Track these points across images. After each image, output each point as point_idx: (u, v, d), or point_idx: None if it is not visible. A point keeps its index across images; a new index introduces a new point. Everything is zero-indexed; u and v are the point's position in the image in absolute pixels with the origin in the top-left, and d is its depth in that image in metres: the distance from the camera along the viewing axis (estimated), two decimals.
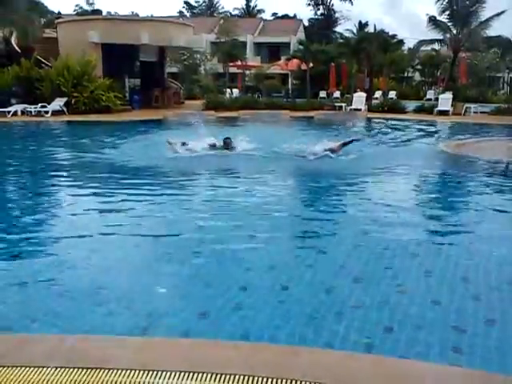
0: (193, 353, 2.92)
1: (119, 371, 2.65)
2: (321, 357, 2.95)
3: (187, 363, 2.74)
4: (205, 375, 2.60)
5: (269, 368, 2.69)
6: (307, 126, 20.09)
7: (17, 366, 2.71)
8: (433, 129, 18.94)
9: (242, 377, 2.59)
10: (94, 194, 7.87)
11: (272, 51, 48.32)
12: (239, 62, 31.78)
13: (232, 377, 2.59)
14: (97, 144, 13.55)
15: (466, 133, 17.63)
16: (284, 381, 2.56)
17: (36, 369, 2.69)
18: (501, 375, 2.85)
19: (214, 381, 2.56)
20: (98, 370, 2.66)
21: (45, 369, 2.69)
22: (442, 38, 26.83)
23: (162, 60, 27.74)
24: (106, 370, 2.66)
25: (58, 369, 2.69)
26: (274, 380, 2.56)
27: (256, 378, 2.57)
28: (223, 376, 2.59)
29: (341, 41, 30.84)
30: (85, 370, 2.67)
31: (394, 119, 20.98)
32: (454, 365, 3.03)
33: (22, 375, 2.64)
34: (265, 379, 2.57)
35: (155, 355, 2.89)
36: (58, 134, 17.26)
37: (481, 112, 23.83)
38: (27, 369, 2.70)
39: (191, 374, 2.61)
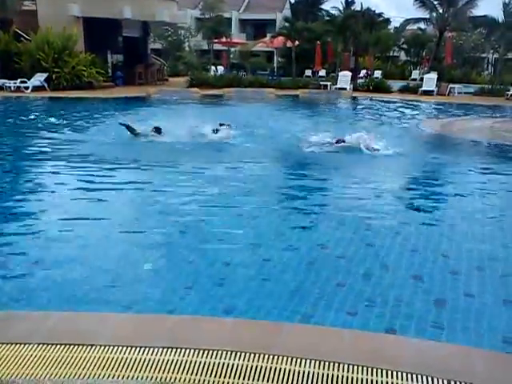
0: (177, 329, 2.93)
1: (102, 347, 2.66)
2: (303, 332, 2.99)
3: (171, 339, 2.75)
4: (188, 351, 2.62)
5: (252, 343, 2.72)
6: (292, 104, 20.02)
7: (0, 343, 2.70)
8: (416, 108, 19.01)
9: (225, 352, 2.61)
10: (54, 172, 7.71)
11: (257, 28, 47.68)
12: (224, 39, 31.32)
13: (216, 352, 2.61)
14: (62, 122, 13.07)
15: (449, 113, 17.78)
16: (267, 356, 2.59)
17: (19, 345, 2.69)
18: (478, 349, 2.93)
19: (198, 356, 2.58)
20: (81, 347, 2.66)
21: (27, 345, 2.68)
22: (428, 17, 26.74)
23: (145, 36, 27.21)
24: (90, 347, 2.66)
25: (41, 345, 2.68)
26: (257, 355, 2.59)
27: (239, 354, 2.60)
28: (207, 351, 2.62)
29: (327, 18, 30.47)
30: (68, 347, 2.66)
31: (379, 99, 21.02)
32: (433, 339, 3.10)
33: (4, 351, 2.63)
34: (248, 354, 2.60)
35: (139, 331, 2.90)
36: (36, 110, 16.85)
37: (465, 92, 24.00)
38: (10, 345, 2.69)
39: (175, 350, 2.63)
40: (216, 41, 31.51)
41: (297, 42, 27.41)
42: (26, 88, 19.84)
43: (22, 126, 12.49)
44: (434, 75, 23.62)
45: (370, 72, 31.51)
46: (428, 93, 22.55)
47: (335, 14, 29.67)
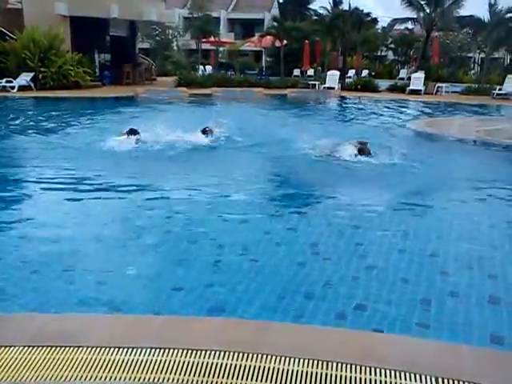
0: (164, 329, 2.91)
1: (89, 349, 2.62)
2: (291, 331, 2.98)
3: (158, 339, 2.72)
4: (176, 351, 2.60)
5: (240, 343, 2.70)
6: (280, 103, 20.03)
7: None
8: (404, 107, 19.13)
9: (213, 352, 2.59)
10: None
11: (246, 28, 47.69)
12: (212, 39, 31.28)
13: (203, 352, 2.59)
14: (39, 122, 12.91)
15: (436, 112, 17.94)
16: (255, 355, 2.57)
17: (4, 348, 2.64)
18: (467, 346, 2.94)
19: (185, 356, 2.56)
20: (67, 348, 2.63)
21: (13, 348, 2.64)
22: (415, 16, 26.96)
23: (133, 35, 27.08)
24: (76, 348, 2.63)
25: (27, 347, 2.64)
26: (246, 354, 2.58)
27: (227, 353, 2.59)
28: (195, 351, 2.60)
29: (315, 18, 30.57)
30: (54, 348, 2.63)
31: (367, 98, 21.11)
32: (422, 337, 3.11)
33: None
34: (236, 354, 2.58)
35: (125, 332, 2.87)
36: (22, 110, 16.66)
37: (452, 91, 24.21)
38: None
39: (162, 350, 2.60)
40: (204, 40, 31.47)
41: (285, 42, 27.45)
42: (12, 88, 19.61)
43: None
44: (421, 74, 23.80)
45: (359, 71, 31.72)
46: (415, 92, 22.73)
47: (323, 13, 29.78)
